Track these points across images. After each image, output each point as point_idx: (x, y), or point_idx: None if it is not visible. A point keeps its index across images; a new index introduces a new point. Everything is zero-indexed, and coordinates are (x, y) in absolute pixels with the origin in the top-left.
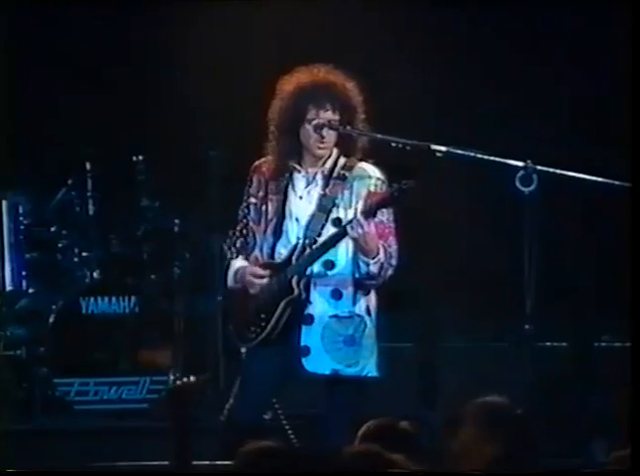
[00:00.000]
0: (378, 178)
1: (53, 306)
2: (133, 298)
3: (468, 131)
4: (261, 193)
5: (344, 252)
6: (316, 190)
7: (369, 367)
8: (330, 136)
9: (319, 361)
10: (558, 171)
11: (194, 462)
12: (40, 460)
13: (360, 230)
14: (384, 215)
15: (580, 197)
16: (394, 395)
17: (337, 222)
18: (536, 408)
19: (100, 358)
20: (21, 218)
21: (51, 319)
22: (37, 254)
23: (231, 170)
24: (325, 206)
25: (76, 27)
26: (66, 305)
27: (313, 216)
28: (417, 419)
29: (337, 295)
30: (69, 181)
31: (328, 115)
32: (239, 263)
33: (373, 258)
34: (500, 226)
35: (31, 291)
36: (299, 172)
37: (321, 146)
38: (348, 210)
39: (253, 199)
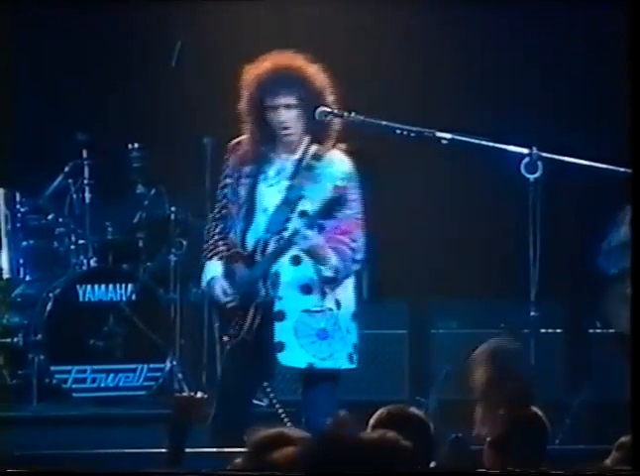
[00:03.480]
0: (344, 172)
1: (50, 294)
2: (129, 286)
3: (467, 117)
4: (236, 175)
5: None
6: (285, 180)
7: (342, 359)
8: (291, 120)
9: (294, 356)
10: (563, 157)
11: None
12: (37, 448)
13: (304, 242)
14: (352, 209)
15: (584, 184)
16: (385, 382)
17: (303, 215)
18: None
19: (97, 345)
20: (17, 206)
21: (47, 307)
22: (33, 241)
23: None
24: (291, 199)
25: (70, 15)
26: (63, 293)
27: (279, 208)
28: (420, 405)
29: (306, 289)
30: (66, 169)
31: (286, 100)
32: (212, 270)
33: (324, 265)
34: (505, 213)
35: (28, 278)
36: (272, 158)
37: (284, 131)
38: (314, 203)
39: (228, 180)
